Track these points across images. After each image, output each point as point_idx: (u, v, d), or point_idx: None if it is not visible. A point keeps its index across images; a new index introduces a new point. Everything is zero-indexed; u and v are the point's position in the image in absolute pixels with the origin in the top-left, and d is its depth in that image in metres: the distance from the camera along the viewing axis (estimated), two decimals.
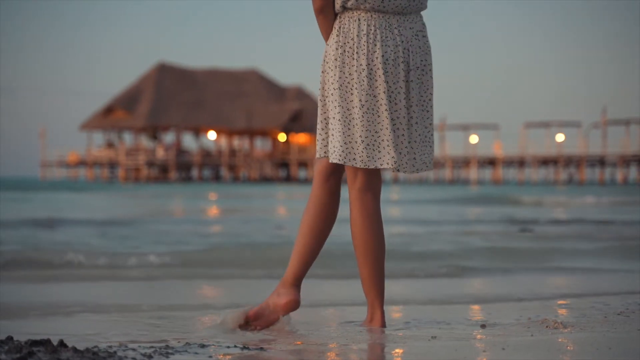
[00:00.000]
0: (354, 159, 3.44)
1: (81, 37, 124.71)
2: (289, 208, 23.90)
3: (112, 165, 73.70)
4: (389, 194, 37.96)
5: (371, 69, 3.41)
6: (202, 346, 3.12)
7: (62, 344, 2.87)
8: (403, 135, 3.44)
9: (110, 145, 73.80)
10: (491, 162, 67.34)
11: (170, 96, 73.91)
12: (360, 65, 3.42)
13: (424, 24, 3.52)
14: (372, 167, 3.42)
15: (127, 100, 73.58)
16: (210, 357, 2.94)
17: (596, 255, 8.90)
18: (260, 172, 73.17)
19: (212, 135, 73.99)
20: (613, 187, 54.01)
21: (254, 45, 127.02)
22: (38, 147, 76.87)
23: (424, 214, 19.79)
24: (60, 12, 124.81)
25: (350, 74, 3.44)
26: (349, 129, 3.43)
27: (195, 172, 73.74)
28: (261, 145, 77.39)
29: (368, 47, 3.42)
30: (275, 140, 74.71)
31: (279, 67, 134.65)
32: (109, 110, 73.43)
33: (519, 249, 9.37)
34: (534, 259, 8.38)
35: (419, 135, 3.47)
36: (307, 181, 72.04)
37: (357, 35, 3.44)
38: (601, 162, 64.07)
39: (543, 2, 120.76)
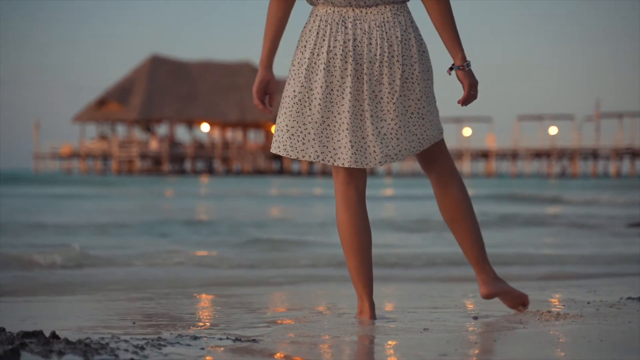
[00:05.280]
0: (278, 147, 3.52)
1: (74, 30, 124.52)
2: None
3: (105, 157, 73.60)
4: (388, 189, 37.94)
5: (314, 62, 3.44)
6: (195, 338, 3.12)
7: (54, 335, 2.87)
8: (347, 129, 3.43)
9: (103, 137, 73.70)
10: (484, 155, 67.42)
11: (163, 89, 73.81)
12: (304, 57, 3.47)
13: (396, 15, 3.46)
14: (294, 157, 3.49)
15: (120, 93, 73.46)
16: (203, 348, 2.94)
17: None
18: (253, 164, 73.12)
19: (205, 127, 73.92)
20: (606, 180, 54.12)
21: (247, 38, 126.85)
22: (31, 140, 76.62)
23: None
24: (54, 6, 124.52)
25: (293, 65, 3.50)
26: (280, 118, 3.53)
27: (188, 165, 73.68)
28: (254, 138, 77.39)
29: (316, 41, 3.45)
30: (268, 132, 74.67)
31: None
32: (102, 103, 73.30)
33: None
34: None
35: (376, 128, 3.43)
36: (300, 174, 72.07)
37: (310, 30, 3.49)
38: (594, 155, 64.21)
39: None
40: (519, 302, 3.73)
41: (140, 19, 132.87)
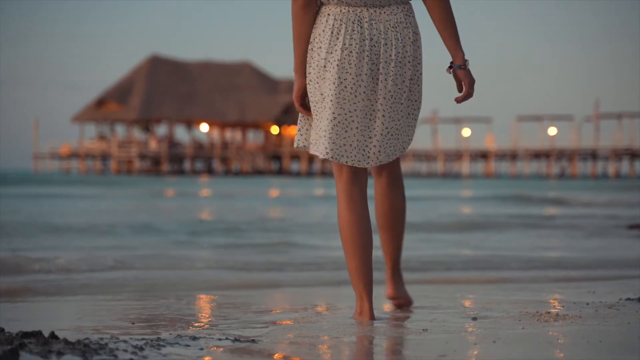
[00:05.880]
0: (304, 145, 3.59)
1: (73, 30, 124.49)
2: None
3: (105, 157, 73.55)
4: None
5: (328, 61, 3.45)
6: (194, 338, 3.12)
7: (53, 335, 2.87)
8: (357, 127, 3.46)
9: (102, 137, 73.65)
10: (483, 155, 67.39)
11: (162, 89, 73.79)
12: (320, 57, 3.48)
13: (407, 15, 3.50)
14: (302, 148, 3.57)
15: (120, 93, 73.43)
16: (202, 349, 2.94)
17: None
18: (252, 164, 73.10)
19: (204, 127, 73.90)
20: (605, 181, 54.11)
21: (247, 38, 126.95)
22: (31, 140, 76.65)
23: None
24: (53, 6, 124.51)
25: (310, 66, 3.51)
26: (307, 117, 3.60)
27: (187, 165, 73.66)
28: (253, 138, 77.34)
29: (330, 40, 3.46)
30: (267, 132, 74.65)
31: (272, 60, 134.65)
32: (101, 103, 73.26)
33: None
34: None
35: (386, 128, 3.47)
36: (299, 174, 72.06)
37: (323, 30, 3.49)
38: (593, 155, 64.18)
39: None
40: (408, 304, 4.04)
41: (140, 18, 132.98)
